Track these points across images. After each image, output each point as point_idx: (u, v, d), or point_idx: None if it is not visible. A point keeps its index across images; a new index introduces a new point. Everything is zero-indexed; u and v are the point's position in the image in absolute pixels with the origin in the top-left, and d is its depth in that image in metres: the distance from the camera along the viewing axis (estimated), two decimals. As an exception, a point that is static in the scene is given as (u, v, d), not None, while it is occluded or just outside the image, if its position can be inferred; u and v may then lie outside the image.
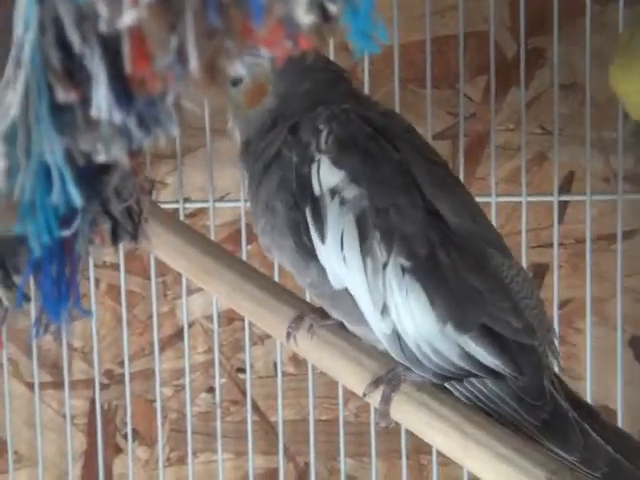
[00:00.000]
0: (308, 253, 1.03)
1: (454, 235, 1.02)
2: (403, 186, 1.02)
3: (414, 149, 1.06)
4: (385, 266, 1.00)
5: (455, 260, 1.01)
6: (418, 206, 1.02)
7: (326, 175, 1.02)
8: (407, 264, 1.00)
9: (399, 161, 1.03)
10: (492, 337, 1.01)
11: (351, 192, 1.01)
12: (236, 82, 1.09)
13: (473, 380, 1.02)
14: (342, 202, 1.01)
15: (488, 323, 1.01)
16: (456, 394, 1.03)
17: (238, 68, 0.60)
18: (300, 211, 1.02)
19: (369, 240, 1.00)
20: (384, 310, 1.01)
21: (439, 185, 1.05)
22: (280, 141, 1.05)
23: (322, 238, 1.01)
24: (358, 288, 1.01)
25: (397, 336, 1.01)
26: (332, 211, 1.01)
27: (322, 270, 1.03)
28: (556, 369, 1.09)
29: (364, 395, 1.04)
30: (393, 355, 1.02)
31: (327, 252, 1.01)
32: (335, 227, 1.01)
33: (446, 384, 1.03)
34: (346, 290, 1.02)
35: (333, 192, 1.01)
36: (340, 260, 1.01)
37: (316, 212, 1.01)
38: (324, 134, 1.03)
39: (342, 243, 1.01)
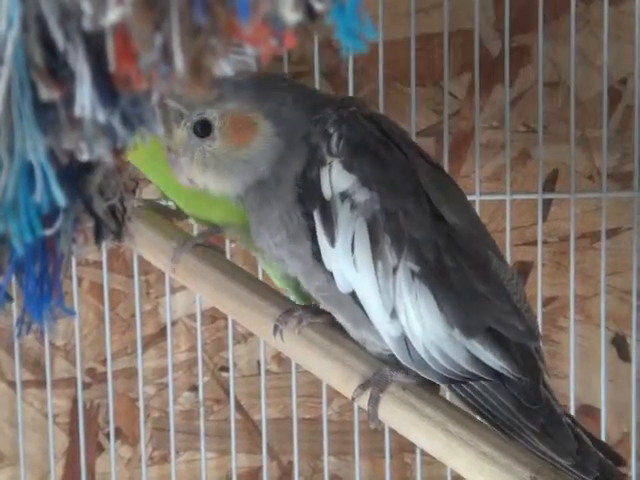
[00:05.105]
0: (319, 257, 1.02)
1: (459, 239, 1.03)
2: (411, 190, 1.02)
3: (417, 152, 1.06)
4: (395, 270, 1.00)
5: (461, 264, 1.02)
6: (425, 210, 1.02)
7: (337, 179, 1.01)
8: (417, 268, 1.00)
9: (406, 165, 1.03)
10: (498, 340, 1.02)
11: (362, 196, 1.01)
12: (204, 130, 1.02)
13: (473, 384, 1.02)
14: (353, 206, 1.00)
15: (493, 326, 1.02)
16: (456, 398, 1.03)
17: (223, 65, 0.60)
18: (308, 214, 1.02)
19: (380, 244, 1.00)
20: (393, 313, 1.01)
21: (442, 189, 1.05)
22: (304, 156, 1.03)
23: (332, 241, 1.01)
24: (368, 291, 1.01)
25: (405, 340, 1.01)
26: (343, 214, 1.00)
27: (330, 273, 1.02)
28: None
29: (353, 399, 1.04)
30: (400, 359, 1.02)
31: (336, 255, 1.01)
32: (346, 230, 1.00)
33: (447, 388, 1.03)
34: (352, 294, 1.02)
35: (344, 196, 1.01)
36: (350, 263, 1.00)
37: (326, 215, 1.01)
38: (335, 138, 1.02)
39: (353, 246, 1.00)
